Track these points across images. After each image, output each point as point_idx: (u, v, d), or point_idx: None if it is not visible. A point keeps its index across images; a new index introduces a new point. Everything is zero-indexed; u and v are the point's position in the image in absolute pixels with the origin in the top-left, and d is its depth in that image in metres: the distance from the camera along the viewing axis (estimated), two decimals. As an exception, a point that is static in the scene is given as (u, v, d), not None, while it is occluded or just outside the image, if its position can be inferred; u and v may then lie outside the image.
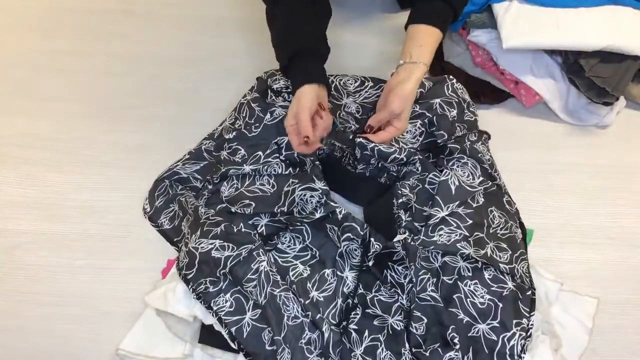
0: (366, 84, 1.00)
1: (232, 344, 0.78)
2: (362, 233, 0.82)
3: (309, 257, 0.85)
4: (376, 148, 0.86)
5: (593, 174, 1.01)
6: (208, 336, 0.81)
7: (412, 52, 0.83)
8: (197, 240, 0.82)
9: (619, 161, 1.03)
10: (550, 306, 0.85)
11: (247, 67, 1.13)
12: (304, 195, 0.84)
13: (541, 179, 1.00)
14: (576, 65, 1.01)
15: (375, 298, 0.81)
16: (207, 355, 0.82)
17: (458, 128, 0.93)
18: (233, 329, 0.77)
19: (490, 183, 0.90)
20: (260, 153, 0.90)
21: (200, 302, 0.79)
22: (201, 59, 1.17)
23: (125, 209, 0.96)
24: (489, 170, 0.92)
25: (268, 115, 0.92)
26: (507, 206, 0.90)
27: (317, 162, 0.88)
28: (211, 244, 0.82)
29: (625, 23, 0.99)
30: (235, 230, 0.83)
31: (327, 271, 0.83)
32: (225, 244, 0.81)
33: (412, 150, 0.90)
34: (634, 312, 0.88)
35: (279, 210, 0.84)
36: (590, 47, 0.97)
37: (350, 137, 0.89)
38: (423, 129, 0.94)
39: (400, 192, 0.87)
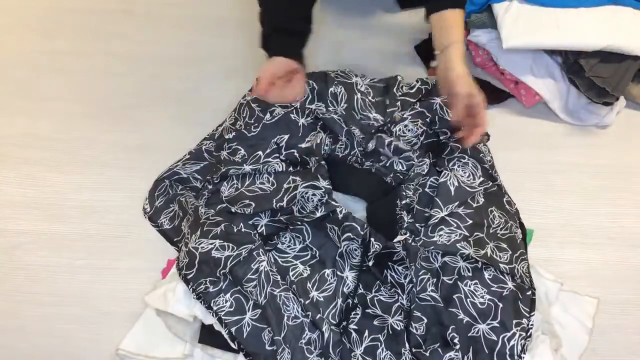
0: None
1: (232, 344, 0.78)
2: (362, 233, 0.82)
3: (309, 257, 0.85)
4: (393, 143, 0.91)
5: (593, 174, 1.01)
6: (208, 336, 0.81)
7: (444, 38, 0.86)
8: (197, 240, 0.82)
9: (619, 161, 1.03)
10: (550, 306, 0.85)
11: (247, 67, 1.13)
12: (306, 193, 0.84)
13: (541, 179, 1.00)
14: (576, 65, 1.01)
15: (375, 298, 0.81)
16: (207, 355, 0.82)
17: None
18: (233, 329, 0.77)
19: (491, 183, 0.90)
20: (260, 153, 0.90)
21: (200, 302, 0.79)
22: (201, 59, 1.16)
23: (125, 209, 0.96)
24: (490, 171, 0.92)
25: (268, 115, 0.92)
26: (507, 206, 0.90)
27: (323, 162, 0.88)
28: (211, 244, 0.82)
29: (625, 23, 1.00)
30: (235, 230, 0.83)
31: (327, 271, 0.83)
32: (225, 244, 0.81)
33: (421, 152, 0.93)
34: (634, 312, 0.88)
35: (277, 206, 0.84)
36: (590, 47, 0.97)
37: (372, 132, 0.94)
38: (424, 127, 0.94)
39: (404, 193, 0.88)
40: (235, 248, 0.81)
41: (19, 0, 1.26)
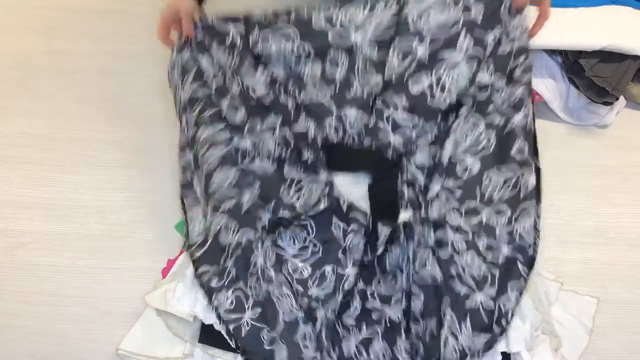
0: (377, 6, 0.85)
1: (230, 342, 0.78)
2: (365, 223, 0.82)
3: (310, 254, 0.85)
4: (391, 117, 0.85)
5: (593, 174, 1.01)
6: (208, 336, 0.81)
7: None
8: (211, 216, 0.82)
9: (619, 161, 1.03)
10: (550, 306, 0.85)
11: (247, 67, 1.13)
12: (309, 189, 0.84)
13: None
14: (576, 65, 1.00)
15: (374, 292, 0.82)
16: (207, 355, 0.82)
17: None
18: (231, 327, 0.78)
19: (494, 142, 0.84)
20: (258, 125, 0.86)
21: (202, 288, 0.80)
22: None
23: (126, 208, 0.96)
24: (498, 123, 0.84)
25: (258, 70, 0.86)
26: (517, 156, 0.83)
27: (320, 152, 0.86)
28: (220, 224, 0.81)
29: (625, 23, 0.99)
30: (242, 212, 0.82)
31: (327, 268, 0.83)
32: (231, 225, 0.81)
33: (425, 125, 0.86)
34: (634, 312, 0.88)
35: (282, 194, 0.84)
36: (590, 47, 0.97)
37: (371, 101, 0.86)
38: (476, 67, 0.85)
39: (406, 168, 0.87)
40: (239, 231, 0.81)
41: (18, 0, 1.26)
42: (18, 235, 0.94)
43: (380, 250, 0.81)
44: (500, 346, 0.79)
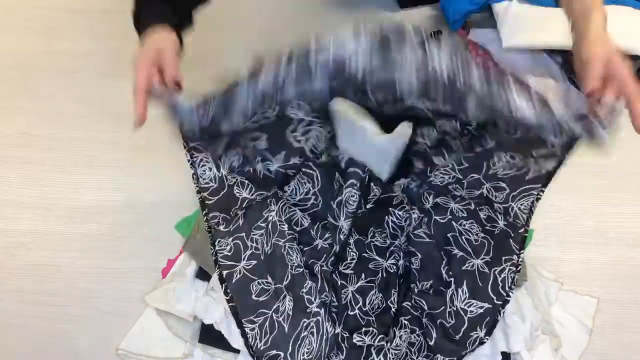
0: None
1: (221, 287, 0.78)
2: (362, 176, 0.83)
3: (312, 205, 0.86)
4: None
5: (593, 174, 1.01)
6: (208, 336, 0.81)
7: (575, 6, 0.71)
8: (226, 174, 0.81)
9: (618, 161, 1.03)
10: (550, 306, 0.85)
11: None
12: (317, 132, 0.84)
13: (541, 178, 1.01)
14: (576, 65, 1.01)
15: (371, 243, 0.84)
16: (207, 355, 0.82)
17: None
18: (224, 272, 0.78)
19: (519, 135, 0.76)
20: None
21: (209, 232, 0.80)
22: (201, 59, 1.16)
23: (126, 209, 0.96)
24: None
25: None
26: (541, 149, 0.77)
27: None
28: (235, 177, 0.81)
29: (625, 23, 0.99)
30: (261, 177, 0.83)
31: (327, 220, 0.85)
32: (249, 186, 0.82)
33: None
34: (634, 312, 0.88)
35: (292, 137, 0.83)
36: (590, 47, 0.97)
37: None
38: None
39: (415, 140, 0.86)
40: (255, 191, 0.82)
41: (18, 0, 1.26)
42: (18, 235, 0.94)
43: (369, 205, 0.83)
44: (501, 346, 0.79)
